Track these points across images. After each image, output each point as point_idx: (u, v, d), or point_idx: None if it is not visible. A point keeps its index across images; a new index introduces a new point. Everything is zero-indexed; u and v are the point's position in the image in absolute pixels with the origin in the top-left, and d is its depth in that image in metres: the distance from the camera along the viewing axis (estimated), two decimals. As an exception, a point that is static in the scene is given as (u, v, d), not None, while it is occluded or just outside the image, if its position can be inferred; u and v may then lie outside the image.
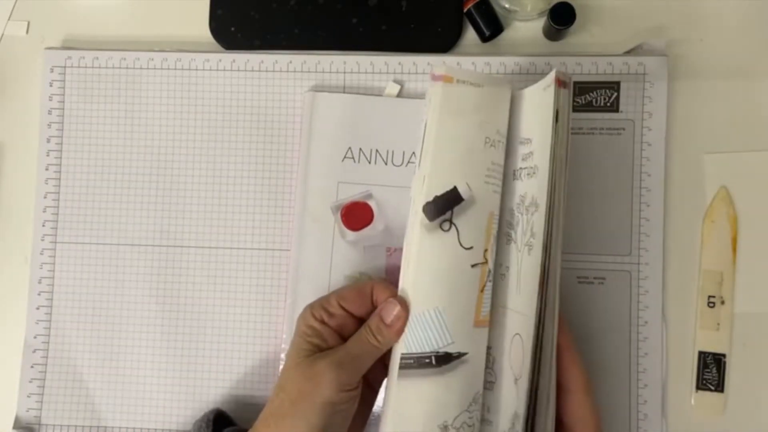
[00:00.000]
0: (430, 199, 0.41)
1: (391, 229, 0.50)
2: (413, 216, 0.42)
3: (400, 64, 0.51)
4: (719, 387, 0.49)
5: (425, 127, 0.42)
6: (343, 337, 0.42)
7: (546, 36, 0.52)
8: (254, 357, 0.51)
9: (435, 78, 0.42)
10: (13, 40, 0.55)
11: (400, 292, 0.42)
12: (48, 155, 0.53)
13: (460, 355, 0.40)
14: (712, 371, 0.49)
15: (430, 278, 0.41)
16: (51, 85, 0.53)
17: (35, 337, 0.52)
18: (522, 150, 0.43)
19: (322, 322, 0.42)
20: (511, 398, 0.41)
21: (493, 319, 0.43)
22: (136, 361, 0.52)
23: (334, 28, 0.53)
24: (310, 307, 0.43)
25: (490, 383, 0.43)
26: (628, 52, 0.51)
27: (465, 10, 0.52)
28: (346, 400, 0.40)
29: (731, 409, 0.49)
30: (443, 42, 0.52)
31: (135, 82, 0.53)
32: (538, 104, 0.42)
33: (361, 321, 0.43)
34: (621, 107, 0.50)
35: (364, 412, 0.44)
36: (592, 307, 0.50)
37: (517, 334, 0.41)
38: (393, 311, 0.41)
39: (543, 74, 0.50)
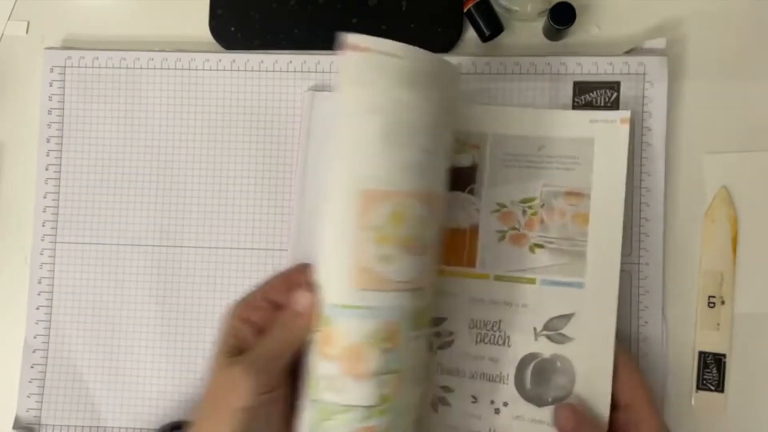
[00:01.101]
0: None
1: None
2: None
3: (400, 64, 0.51)
4: (719, 387, 0.49)
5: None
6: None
7: (546, 36, 0.52)
8: (254, 357, 0.51)
9: (346, 47, 0.39)
10: (13, 40, 0.55)
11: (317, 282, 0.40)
12: (48, 155, 0.53)
13: None
14: (712, 371, 0.49)
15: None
16: (51, 85, 0.53)
17: (35, 337, 0.52)
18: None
19: (245, 319, 0.41)
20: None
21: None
22: (136, 361, 0.52)
23: (334, 28, 0.52)
24: (234, 304, 0.41)
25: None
26: (628, 52, 0.51)
27: (465, 10, 0.52)
28: (266, 402, 0.38)
29: (731, 409, 0.49)
30: (443, 42, 0.52)
31: (135, 82, 0.53)
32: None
33: None
34: (621, 107, 0.50)
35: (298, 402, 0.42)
36: (593, 307, 0.50)
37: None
38: (303, 300, 0.39)
39: (543, 74, 0.50)
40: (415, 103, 0.39)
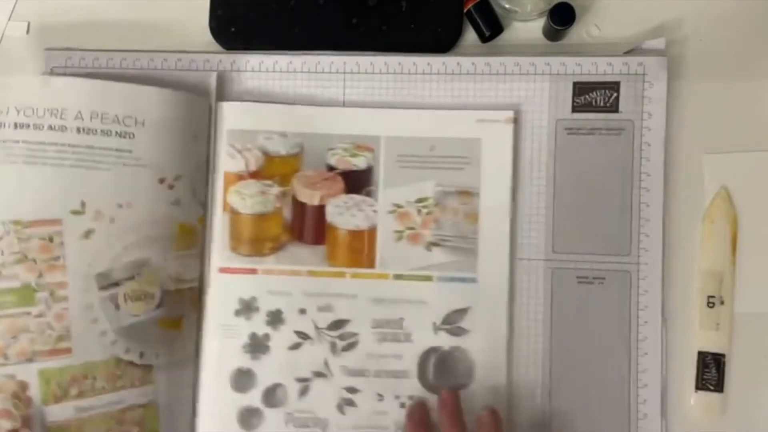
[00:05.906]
0: None
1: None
2: None
3: (400, 64, 0.51)
4: (719, 387, 0.49)
5: None
6: None
7: (546, 36, 0.52)
8: (254, 357, 0.51)
9: None
10: (13, 40, 0.55)
11: None
12: (48, 155, 0.53)
13: None
14: (711, 371, 0.49)
15: None
16: (51, 86, 0.53)
17: (35, 337, 0.52)
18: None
19: None
20: None
21: None
22: (137, 361, 0.52)
23: (334, 28, 0.53)
24: None
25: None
26: (627, 52, 0.51)
27: (465, 10, 0.52)
28: None
29: (731, 409, 0.49)
30: (443, 42, 0.52)
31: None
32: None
33: None
34: (620, 107, 0.50)
35: None
36: (592, 307, 0.50)
37: None
38: None
39: (543, 74, 0.51)
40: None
